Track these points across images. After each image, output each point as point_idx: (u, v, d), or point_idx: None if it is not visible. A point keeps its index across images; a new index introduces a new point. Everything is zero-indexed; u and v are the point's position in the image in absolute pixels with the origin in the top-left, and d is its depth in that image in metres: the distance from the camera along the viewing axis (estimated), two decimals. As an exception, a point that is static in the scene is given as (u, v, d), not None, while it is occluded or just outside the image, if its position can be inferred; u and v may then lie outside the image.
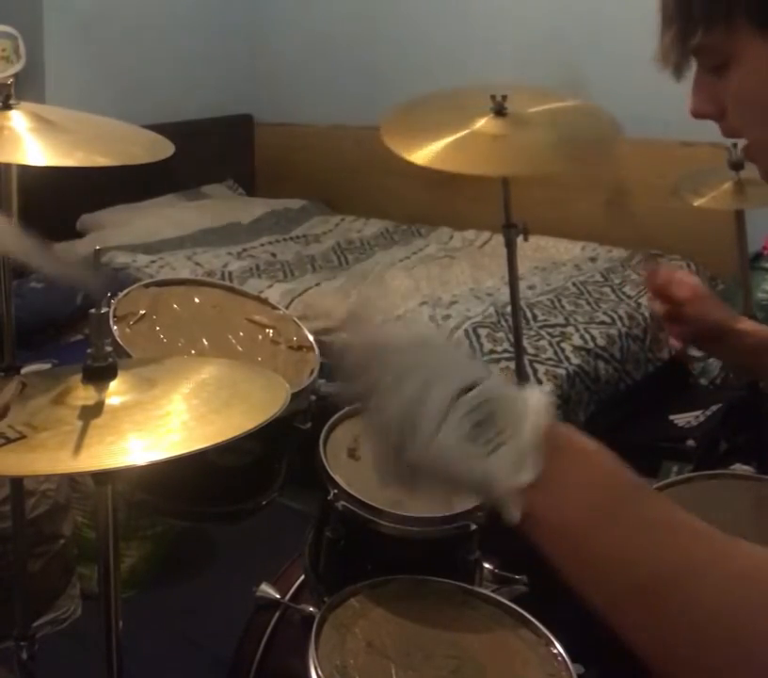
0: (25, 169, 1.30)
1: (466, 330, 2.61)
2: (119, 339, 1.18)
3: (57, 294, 2.87)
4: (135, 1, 3.80)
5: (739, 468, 1.54)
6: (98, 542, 0.99)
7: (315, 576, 1.23)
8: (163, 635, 2.06)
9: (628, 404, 2.62)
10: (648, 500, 0.64)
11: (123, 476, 1.10)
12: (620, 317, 2.78)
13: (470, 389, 0.65)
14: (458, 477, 0.64)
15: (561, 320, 2.74)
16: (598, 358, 2.60)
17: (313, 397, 1.27)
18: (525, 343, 2.40)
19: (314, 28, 4.09)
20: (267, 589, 1.30)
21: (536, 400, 0.66)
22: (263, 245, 3.63)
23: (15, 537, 1.56)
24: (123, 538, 2.15)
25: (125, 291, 1.32)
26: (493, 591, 1.16)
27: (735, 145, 1.71)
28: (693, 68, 0.83)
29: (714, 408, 2.47)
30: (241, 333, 1.35)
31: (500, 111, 1.61)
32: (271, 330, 1.37)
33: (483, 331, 2.61)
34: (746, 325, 1.22)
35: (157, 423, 0.88)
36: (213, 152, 4.02)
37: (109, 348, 0.94)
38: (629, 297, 2.94)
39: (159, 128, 1.43)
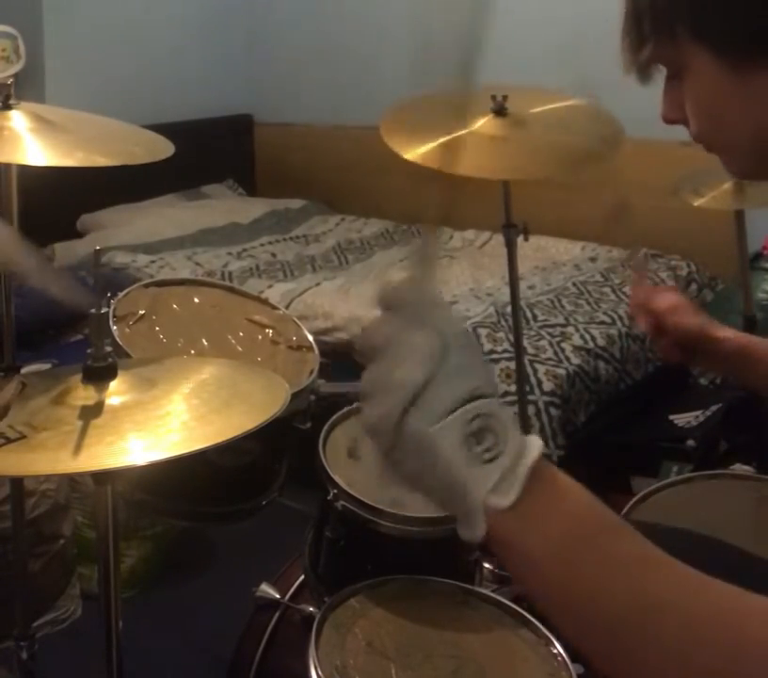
0: (25, 169, 1.30)
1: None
2: (118, 339, 1.18)
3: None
4: (135, 1, 3.81)
5: (739, 468, 1.54)
6: (98, 542, 0.99)
7: (315, 576, 1.23)
8: (163, 635, 2.05)
9: (628, 404, 2.62)
10: (619, 537, 0.62)
11: (123, 476, 1.10)
12: (620, 317, 2.78)
13: (476, 398, 0.64)
14: (439, 473, 0.63)
15: (561, 320, 2.73)
16: (598, 358, 2.60)
17: (313, 397, 1.27)
18: (525, 343, 2.40)
19: (314, 28, 4.09)
20: (267, 589, 1.30)
21: (534, 437, 0.65)
22: (263, 245, 3.63)
23: (15, 537, 1.56)
24: (123, 538, 2.15)
25: (125, 291, 1.32)
26: (493, 591, 1.16)
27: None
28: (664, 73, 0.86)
29: (714, 408, 2.47)
30: (241, 333, 1.35)
31: (500, 111, 1.61)
32: (271, 331, 1.37)
33: (483, 331, 2.61)
34: (725, 332, 1.21)
35: (157, 423, 0.88)
36: (213, 152, 4.02)
37: (109, 348, 0.94)
38: (629, 297, 2.94)
39: (159, 128, 1.43)
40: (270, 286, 3.02)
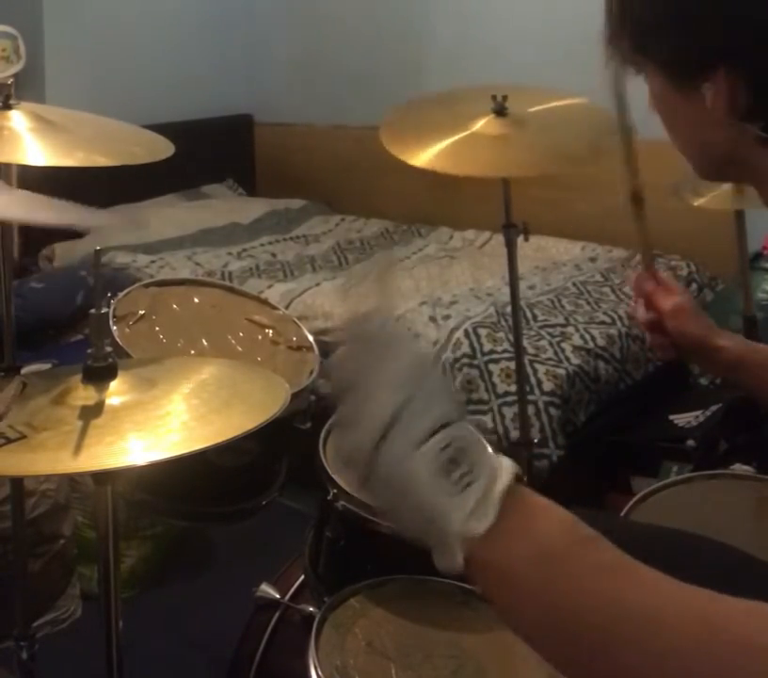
0: (25, 169, 1.30)
1: (466, 330, 2.61)
2: (118, 339, 1.18)
3: (57, 294, 2.87)
4: (135, 1, 3.80)
5: (739, 468, 1.54)
6: (98, 542, 0.99)
7: (315, 576, 1.23)
8: (163, 635, 2.05)
9: (628, 404, 2.62)
10: (592, 548, 0.62)
11: (123, 476, 1.10)
12: (620, 317, 2.78)
13: (446, 425, 0.64)
14: (414, 504, 0.63)
15: (561, 320, 2.73)
16: (598, 358, 2.59)
17: (313, 397, 1.27)
18: (525, 343, 2.40)
19: (314, 28, 4.09)
20: (267, 589, 1.30)
21: (506, 459, 0.65)
22: (263, 245, 3.63)
23: (15, 537, 1.56)
24: (123, 538, 2.15)
25: (125, 291, 1.32)
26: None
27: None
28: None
29: (714, 408, 2.46)
30: (241, 333, 1.35)
31: (500, 111, 1.61)
32: (271, 331, 1.37)
33: (483, 331, 2.60)
34: (726, 340, 1.21)
35: (157, 423, 0.88)
36: (213, 152, 4.01)
37: (109, 348, 0.94)
38: (629, 297, 2.94)
39: (159, 128, 1.43)
40: (270, 286, 3.02)
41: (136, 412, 0.90)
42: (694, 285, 3.15)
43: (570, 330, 2.66)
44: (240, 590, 1.34)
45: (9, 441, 0.84)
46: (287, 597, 1.29)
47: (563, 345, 2.58)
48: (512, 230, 1.78)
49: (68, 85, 3.55)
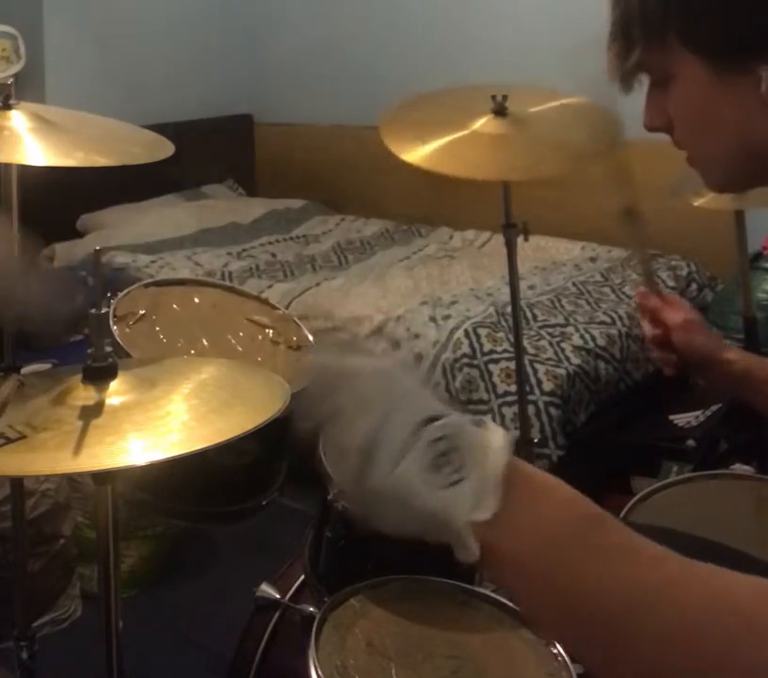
0: (25, 169, 1.30)
1: (466, 330, 2.61)
2: (119, 339, 1.18)
3: (57, 294, 2.86)
4: (135, 1, 3.81)
5: (739, 468, 1.54)
6: (98, 542, 0.99)
7: (315, 576, 1.23)
8: (163, 635, 2.05)
9: (628, 404, 2.62)
10: (602, 528, 0.62)
11: (123, 476, 1.10)
12: (620, 317, 2.78)
13: (431, 421, 0.64)
14: (416, 509, 0.63)
15: (561, 320, 2.73)
16: (598, 358, 2.60)
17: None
18: (525, 343, 2.40)
19: (314, 28, 4.09)
20: (267, 589, 1.30)
21: (499, 437, 0.65)
22: (263, 245, 3.63)
23: (15, 537, 1.56)
24: (123, 538, 2.15)
25: (125, 291, 1.32)
26: (493, 591, 1.16)
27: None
28: (645, 81, 0.88)
29: (714, 408, 2.47)
30: (241, 333, 1.35)
31: (500, 111, 1.61)
32: (271, 331, 1.37)
33: (483, 331, 2.61)
34: (732, 354, 1.22)
35: (157, 423, 0.88)
36: (213, 152, 4.02)
37: (109, 348, 0.94)
38: (629, 297, 2.94)
39: (159, 128, 1.43)
40: (270, 286, 3.02)
41: (135, 412, 0.89)
42: (694, 285, 3.15)
43: (570, 330, 2.67)
44: (240, 590, 1.34)
45: (9, 441, 0.84)
46: (287, 597, 1.29)
47: (563, 345, 2.58)
48: (512, 230, 1.78)
49: (68, 85, 3.55)
